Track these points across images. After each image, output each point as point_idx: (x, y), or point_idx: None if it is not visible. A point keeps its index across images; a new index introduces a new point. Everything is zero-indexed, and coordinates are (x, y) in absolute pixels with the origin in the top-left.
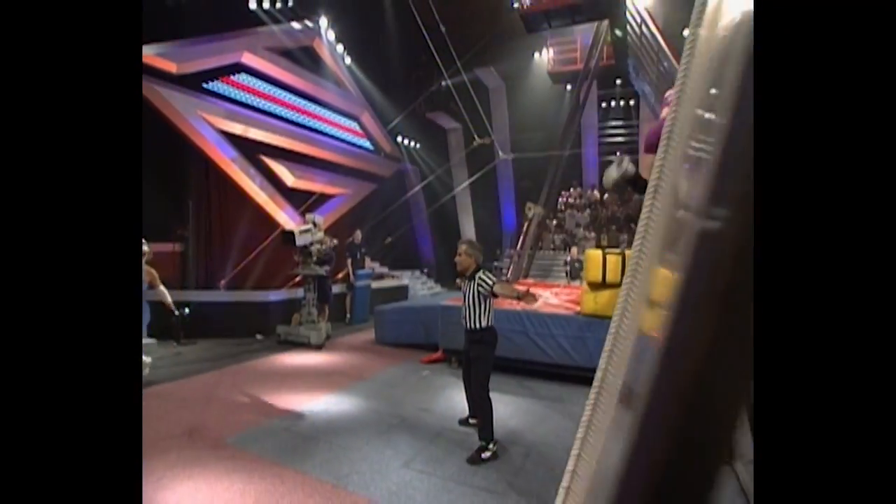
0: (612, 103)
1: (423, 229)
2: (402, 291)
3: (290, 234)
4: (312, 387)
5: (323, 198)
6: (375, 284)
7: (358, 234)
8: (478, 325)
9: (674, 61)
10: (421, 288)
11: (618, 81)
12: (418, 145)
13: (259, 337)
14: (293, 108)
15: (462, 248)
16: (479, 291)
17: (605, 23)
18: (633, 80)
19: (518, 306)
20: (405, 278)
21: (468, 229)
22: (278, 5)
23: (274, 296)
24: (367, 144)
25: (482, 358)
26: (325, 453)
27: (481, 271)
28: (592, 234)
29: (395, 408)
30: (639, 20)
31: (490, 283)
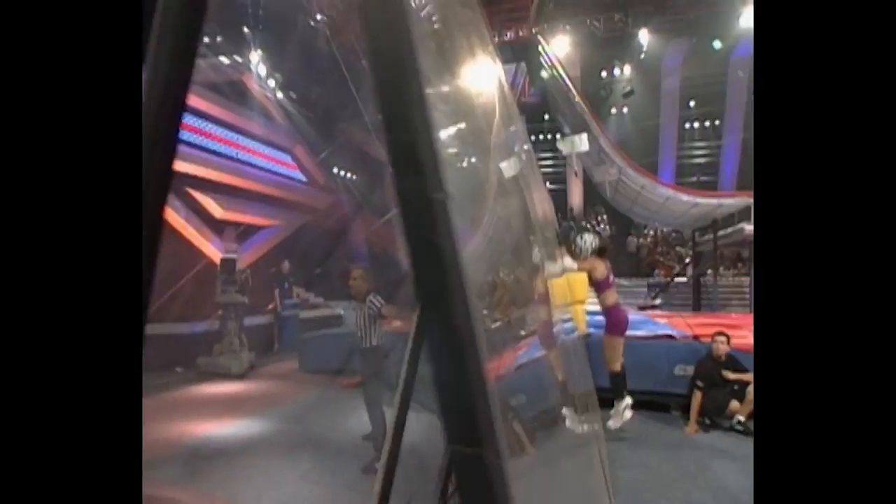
0: (541, 136)
1: (361, 260)
2: (335, 321)
3: (232, 261)
4: (225, 414)
5: (252, 229)
6: (308, 314)
7: (286, 265)
8: (369, 344)
9: (580, 100)
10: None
11: (546, 116)
12: (355, 177)
13: (179, 370)
14: (221, 140)
15: (356, 273)
16: (368, 314)
17: (523, 64)
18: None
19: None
20: (341, 308)
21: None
22: (206, 40)
23: (196, 327)
24: (300, 176)
25: (373, 374)
26: (223, 472)
27: (371, 294)
28: None
29: (304, 428)
30: (550, 64)
31: (378, 305)
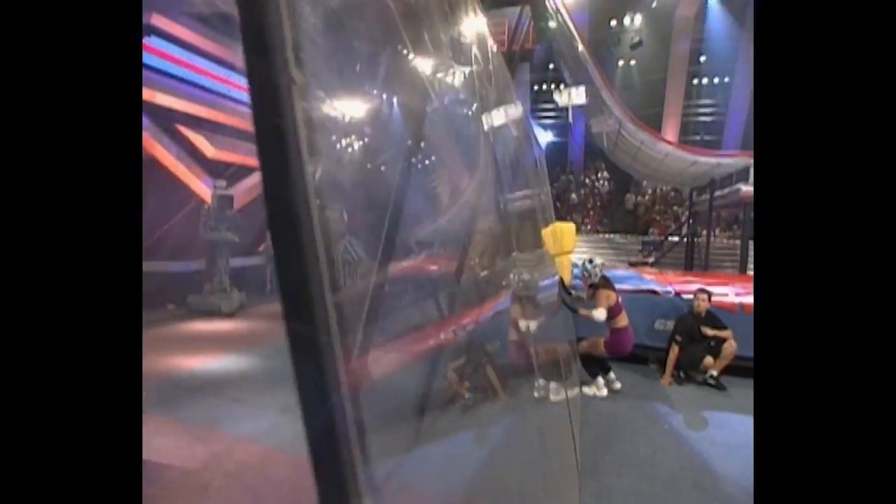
0: (545, 87)
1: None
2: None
3: (228, 197)
4: (212, 350)
5: (246, 169)
6: None
7: None
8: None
9: (583, 49)
10: None
11: (550, 66)
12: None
13: (171, 307)
14: (214, 76)
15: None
16: (344, 258)
17: (528, 8)
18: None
19: None
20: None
21: None
22: None
23: (190, 265)
24: None
25: None
26: (205, 402)
27: (347, 238)
28: None
29: (288, 365)
30: (555, 10)
31: (353, 251)
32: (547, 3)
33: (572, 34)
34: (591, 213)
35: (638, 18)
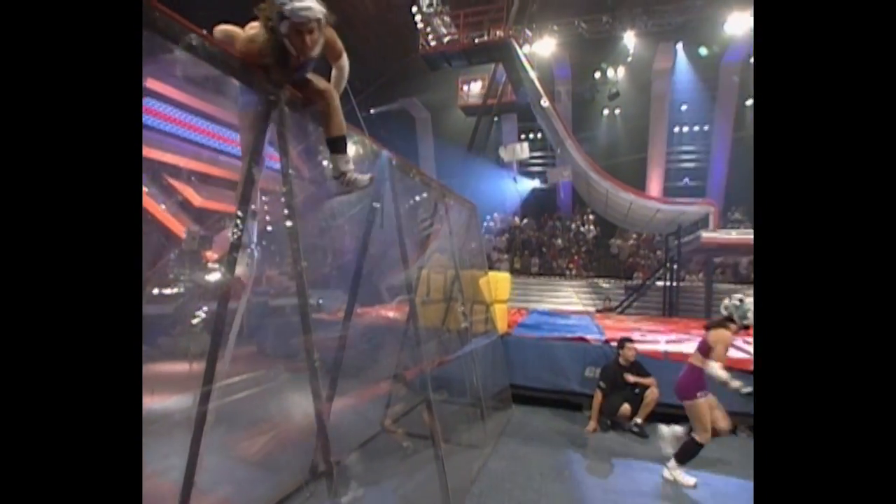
0: (531, 135)
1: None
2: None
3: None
4: (168, 390)
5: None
6: (277, 301)
7: None
8: None
9: (548, 101)
10: None
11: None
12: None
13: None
14: (203, 131)
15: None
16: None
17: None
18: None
19: None
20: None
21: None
22: None
23: (161, 309)
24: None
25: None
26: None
27: None
28: (506, 257)
29: (222, 406)
30: (521, 67)
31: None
32: (516, 59)
33: (537, 89)
34: (576, 257)
35: (621, 70)
